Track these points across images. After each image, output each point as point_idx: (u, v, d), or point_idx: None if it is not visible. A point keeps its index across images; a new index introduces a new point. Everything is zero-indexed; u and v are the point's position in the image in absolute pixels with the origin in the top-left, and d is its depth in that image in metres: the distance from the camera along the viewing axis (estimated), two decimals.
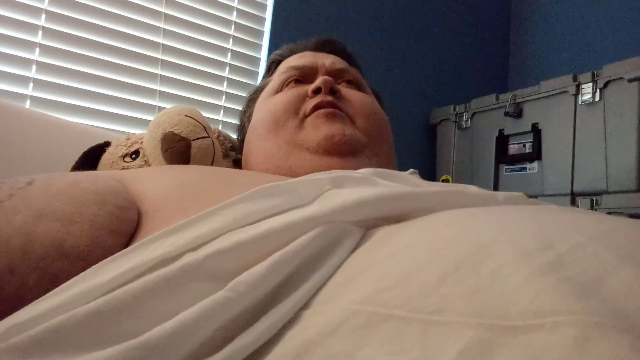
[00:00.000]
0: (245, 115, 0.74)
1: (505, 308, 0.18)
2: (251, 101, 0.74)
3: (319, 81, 0.62)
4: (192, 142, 0.63)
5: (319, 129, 0.58)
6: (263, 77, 0.80)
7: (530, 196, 1.36)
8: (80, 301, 0.25)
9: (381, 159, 0.61)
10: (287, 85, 0.67)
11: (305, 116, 0.60)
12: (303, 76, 0.67)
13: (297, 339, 0.22)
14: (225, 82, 1.45)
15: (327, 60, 0.69)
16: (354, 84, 0.69)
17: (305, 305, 0.24)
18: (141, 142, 0.69)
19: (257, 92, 0.73)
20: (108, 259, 0.29)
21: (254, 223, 0.30)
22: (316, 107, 0.60)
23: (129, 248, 0.30)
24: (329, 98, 0.60)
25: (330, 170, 0.42)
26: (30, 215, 0.35)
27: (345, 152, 0.57)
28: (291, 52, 0.74)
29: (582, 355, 0.15)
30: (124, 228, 0.39)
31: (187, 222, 0.30)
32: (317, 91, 0.61)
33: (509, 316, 0.18)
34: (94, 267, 0.29)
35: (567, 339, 0.16)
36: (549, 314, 0.17)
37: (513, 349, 0.17)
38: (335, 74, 0.67)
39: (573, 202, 1.37)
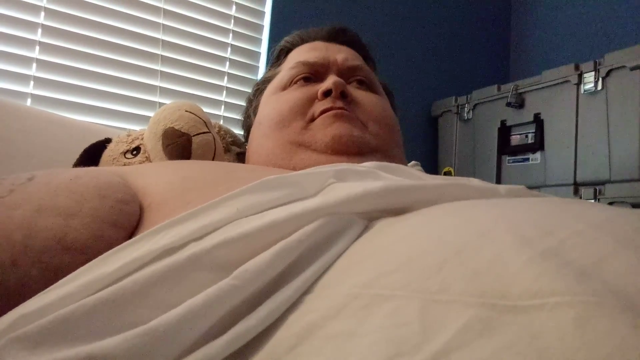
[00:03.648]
0: (251, 107, 0.72)
1: (506, 289, 0.18)
2: (258, 91, 0.72)
3: (329, 83, 0.59)
4: (193, 138, 0.63)
5: (326, 130, 0.56)
6: (271, 65, 0.77)
7: (533, 187, 1.35)
8: (88, 291, 0.25)
9: (391, 162, 0.60)
10: (295, 83, 0.64)
11: (313, 119, 0.59)
12: (313, 73, 0.64)
13: (300, 322, 0.22)
14: (226, 77, 1.45)
15: (339, 55, 0.66)
16: (365, 84, 0.66)
17: (308, 290, 0.25)
18: (142, 139, 0.69)
19: (265, 82, 0.71)
20: (113, 249, 0.29)
21: (257, 214, 0.30)
22: (325, 112, 0.58)
23: (133, 239, 0.30)
24: (339, 103, 0.58)
25: None
26: (31, 210, 0.35)
27: (352, 152, 0.55)
28: (302, 40, 0.72)
29: (581, 335, 0.15)
30: (125, 221, 0.39)
31: (191, 213, 0.31)
32: (327, 93, 0.59)
33: (509, 296, 0.18)
34: (99, 257, 0.29)
35: (567, 318, 0.16)
36: (549, 295, 0.17)
37: (513, 327, 0.17)
38: (347, 72, 0.65)
39: (576, 192, 1.37)
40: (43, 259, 0.33)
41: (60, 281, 0.28)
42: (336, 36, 0.71)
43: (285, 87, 0.65)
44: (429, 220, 0.28)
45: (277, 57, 0.75)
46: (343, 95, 0.60)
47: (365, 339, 0.19)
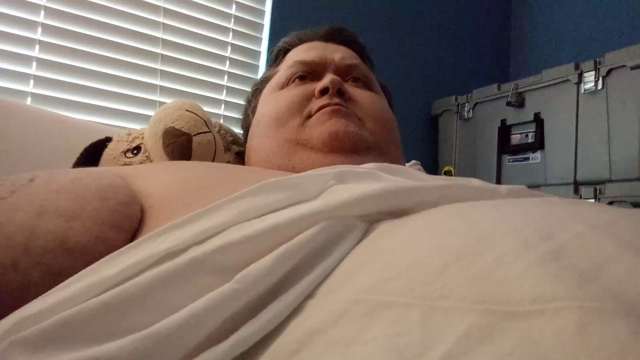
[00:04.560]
0: (250, 107, 0.72)
1: (507, 294, 0.18)
2: (257, 91, 0.72)
3: (326, 81, 0.60)
4: (194, 137, 0.63)
5: (323, 126, 0.56)
6: (269, 65, 0.77)
7: (534, 186, 1.36)
8: (89, 294, 0.25)
9: (388, 160, 0.60)
10: (292, 82, 0.64)
11: (310, 116, 0.59)
12: (310, 72, 0.65)
13: (301, 327, 0.22)
14: (226, 76, 1.45)
15: (336, 54, 0.66)
16: (362, 81, 0.66)
17: (309, 296, 0.24)
18: (142, 138, 0.69)
19: (263, 82, 0.71)
20: (114, 252, 0.29)
21: (259, 217, 0.30)
22: (322, 108, 0.58)
23: (135, 242, 0.30)
24: (336, 100, 0.59)
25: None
26: (33, 212, 0.35)
27: (349, 150, 0.56)
28: (300, 41, 0.72)
29: (582, 340, 0.15)
30: (126, 224, 0.39)
31: (192, 216, 0.31)
32: (324, 91, 0.60)
33: (510, 302, 0.18)
34: (100, 260, 0.29)
35: (568, 324, 0.16)
36: (549, 300, 0.17)
37: (514, 333, 0.17)
38: (344, 71, 0.65)
39: (576, 191, 1.37)
40: (44, 261, 0.33)
41: (62, 284, 0.28)
42: (334, 36, 0.72)
43: (283, 86, 0.65)
44: (429, 224, 0.28)
45: (275, 58, 0.75)
46: (340, 93, 0.60)
47: (366, 347, 0.19)
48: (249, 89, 0.79)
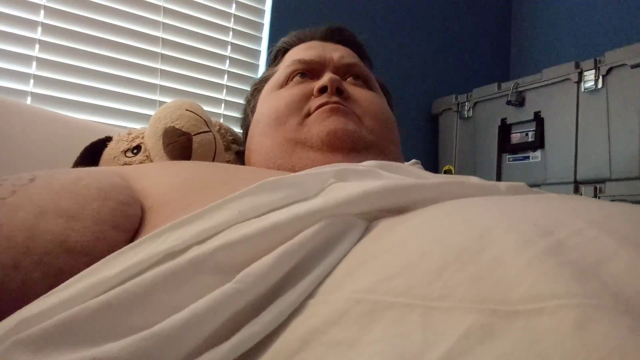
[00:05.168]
0: (249, 107, 0.72)
1: (507, 293, 0.18)
2: (256, 91, 0.72)
3: (325, 79, 0.60)
4: (194, 137, 0.63)
5: (322, 124, 0.56)
6: (268, 65, 0.77)
7: (534, 185, 1.36)
8: (90, 294, 0.25)
9: (387, 159, 0.60)
10: (291, 80, 0.65)
11: (309, 115, 0.59)
12: (309, 71, 0.65)
13: (302, 327, 0.22)
14: (226, 76, 1.45)
15: (335, 53, 0.66)
16: (361, 80, 0.67)
17: (310, 295, 0.24)
18: (142, 137, 0.69)
19: (263, 81, 0.72)
20: (115, 253, 0.29)
21: (259, 216, 0.30)
22: (320, 107, 0.58)
23: (135, 242, 0.30)
24: (335, 99, 0.59)
25: None
26: (33, 212, 0.35)
27: (348, 148, 0.55)
28: (299, 40, 0.72)
29: (581, 338, 0.16)
30: (127, 224, 0.39)
31: (192, 216, 0.31)
32: (323, 90, 0.60)
33: (510, 301, 0.18)
34: (101, 261, 0.29)
35: (567, 322, 0.16)
36: (549, 298, 0.17)
37: (514, 332, 0.17)
38: (343, 70, 0.65)
39: (576, 190, 1.37)
40: (45, 261, 0.33)
41: (63, 284, 0.28)
42: (332, 35, 0.72)
43: (282, 85, 0.65)
44: (429, 221, 0.28)
45: (274, 57, 0.75)
46: (339, 91, 0.60)
47: (367, 348, 0.19)
48: (249, 88, 0.79)
